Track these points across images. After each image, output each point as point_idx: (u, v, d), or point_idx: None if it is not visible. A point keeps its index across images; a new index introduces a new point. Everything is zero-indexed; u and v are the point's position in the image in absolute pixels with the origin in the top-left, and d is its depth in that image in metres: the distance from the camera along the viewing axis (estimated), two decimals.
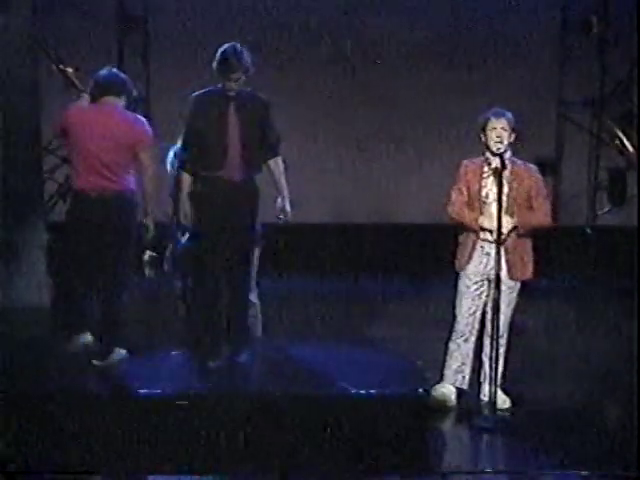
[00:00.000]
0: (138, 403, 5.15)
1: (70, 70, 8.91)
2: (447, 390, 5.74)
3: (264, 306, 6.34)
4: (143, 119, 5.80)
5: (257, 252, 6.12)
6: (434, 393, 5.71)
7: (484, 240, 5.62)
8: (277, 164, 5.72)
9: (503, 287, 5.56)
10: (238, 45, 5.50)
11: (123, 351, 5.69)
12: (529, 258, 5.70)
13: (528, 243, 5.70)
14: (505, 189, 5.50)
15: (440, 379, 5.78)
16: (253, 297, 6.20)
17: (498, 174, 5.43)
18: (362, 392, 5.18)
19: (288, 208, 5.74)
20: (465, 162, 5.73)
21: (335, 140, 9.59)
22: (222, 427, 4.98)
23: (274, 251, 6.50)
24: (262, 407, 5.09)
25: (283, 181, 5.73)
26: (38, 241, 7.99)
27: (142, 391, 5.20)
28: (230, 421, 5.02)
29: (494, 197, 5.52)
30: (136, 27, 9.48)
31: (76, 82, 8.79)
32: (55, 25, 8.86)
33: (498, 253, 5.45)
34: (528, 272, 5.70)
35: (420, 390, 5.26)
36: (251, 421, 5.01)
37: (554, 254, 8.66)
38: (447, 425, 5.60)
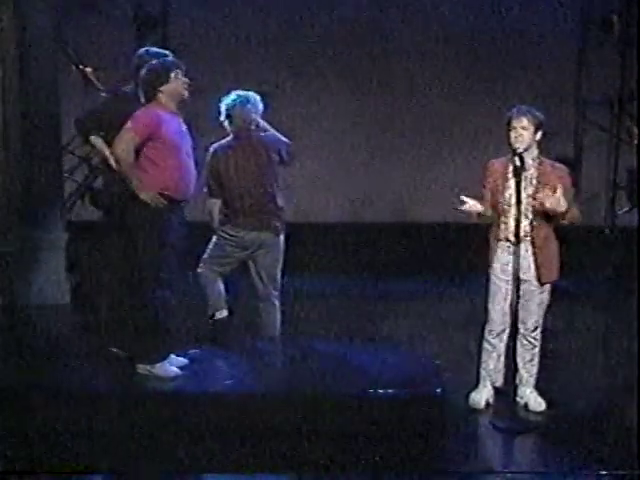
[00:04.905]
0: (155, 401, 5.16)
1: (89, 70, 8.93)
2: (476, 396, 5.72)
3: (283, 305, 6.36)
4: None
5: (281, 257, 6.27)
6: (470, 401, 5.71)
7: (507, 240, 5.57)
8: None
9: (532, 287, 5.54)
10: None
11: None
12: (556, 260, 5.64)
13: (555, 245, 5.63)
14: (530, 190, 5.45)
15: (477, 381, 5.75)
16: (275, 299, 6.30)
17: (517, 174, 5.36)
18: (380, 391, 5.17)
19: None
20: (491, 161, 5.65)
21: (354, 139, 9.59)
22: (235, 425, 4.99)
23: (293, 250, 6.50)
24: (278, 405, 5.10)
25: None
26: (57, 240, 8.03)
27: (157, 389, 5.22)
28: (245, 420, 5.02)
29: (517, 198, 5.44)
30: (155, 28, 9.50)
31: (95, 82, 8.81)
32: (74, 25, 8.89)
33: (517, 254, 5.40)
34: (555, 274, 5.64)
35: (438, 390, 5.24)
36: (266, 419, 5.01)
37: (572, 254, 8.60)
38: (466, 425, 5.57)
